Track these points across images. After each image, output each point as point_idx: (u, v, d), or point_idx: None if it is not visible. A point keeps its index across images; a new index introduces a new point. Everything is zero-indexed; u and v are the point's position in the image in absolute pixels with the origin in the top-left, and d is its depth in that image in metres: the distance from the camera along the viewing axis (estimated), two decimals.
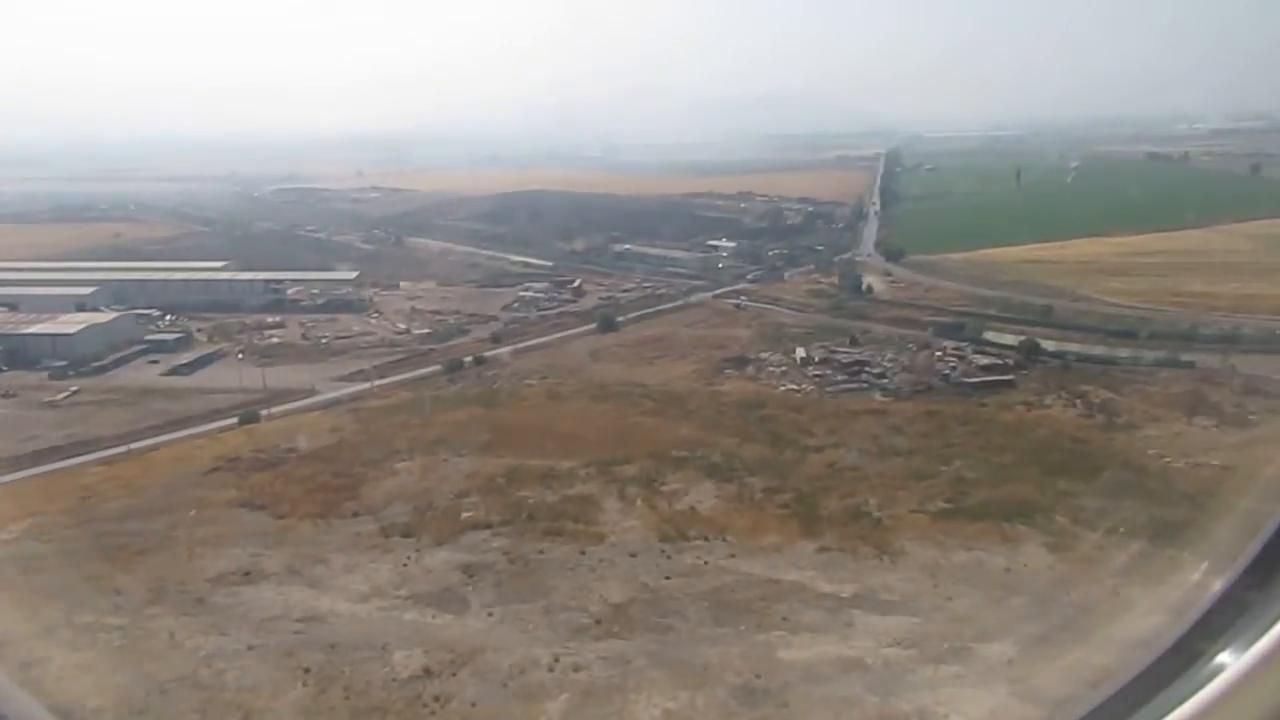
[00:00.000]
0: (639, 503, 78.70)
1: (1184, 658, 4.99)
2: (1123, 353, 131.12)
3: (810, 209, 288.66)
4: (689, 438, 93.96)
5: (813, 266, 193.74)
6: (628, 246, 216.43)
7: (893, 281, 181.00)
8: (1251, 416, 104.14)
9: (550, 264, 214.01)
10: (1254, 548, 5.51)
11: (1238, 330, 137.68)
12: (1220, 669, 4.73)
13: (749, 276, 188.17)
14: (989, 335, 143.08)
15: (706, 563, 68.12)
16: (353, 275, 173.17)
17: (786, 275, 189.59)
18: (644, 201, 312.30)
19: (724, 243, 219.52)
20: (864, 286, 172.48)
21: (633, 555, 69.33)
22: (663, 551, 69.83)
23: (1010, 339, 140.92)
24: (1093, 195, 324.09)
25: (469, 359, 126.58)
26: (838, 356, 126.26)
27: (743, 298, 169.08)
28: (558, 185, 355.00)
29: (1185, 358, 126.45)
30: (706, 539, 71.95)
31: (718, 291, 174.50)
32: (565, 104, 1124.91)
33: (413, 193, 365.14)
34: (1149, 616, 48.91)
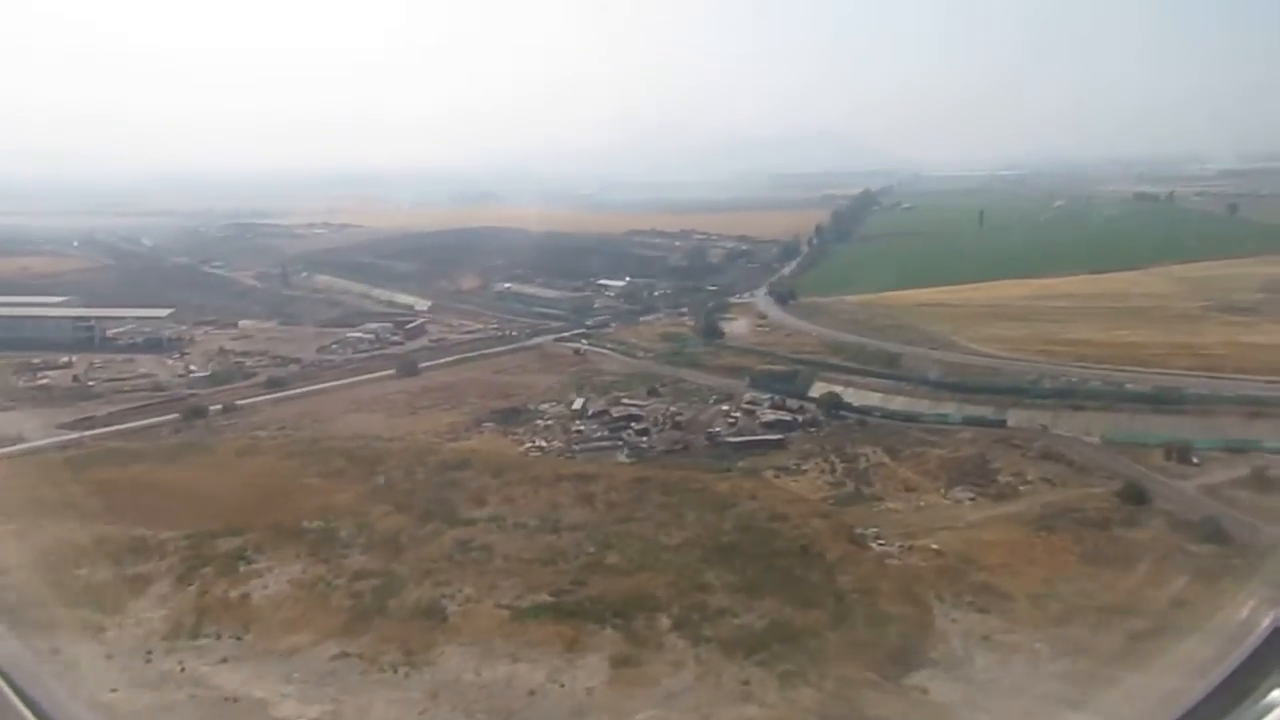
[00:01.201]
0: (193, 586, 67.61)
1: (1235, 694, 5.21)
2: (946, 408, 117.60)
3: (743, 248, 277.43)
4: (341, 505, 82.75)
5: (687, 309, 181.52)
6: (508, 286, 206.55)
7: (761, 326, 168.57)
8: (1022, 488, 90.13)
9: (429, 303, 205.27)
10: None
11: (1083, 383, 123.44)
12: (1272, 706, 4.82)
13: (614, 319, 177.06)
14: (816, 387, 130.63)
15: (184, 669, 56.56)
16: (165, 313, 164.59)
17: (656, 317, 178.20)
18: (582, 239, 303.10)
19: (612, 282, 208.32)
20: (721, 331, 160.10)
21: (109, 657, 57.88)
22: (149, 653, 58.33)
23: (840, 390, 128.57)
24: (1052, 236, 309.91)
25: (217, 407, 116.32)
26: (612, 410, 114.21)
27: (584, 342, 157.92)
28: (512, 223, 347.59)
29: (1007, 414, 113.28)
30: (219, 637, 60.39)
31: (566, 334, 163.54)
32: (584, 145, 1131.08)
33: (360, 229, 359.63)
34: None
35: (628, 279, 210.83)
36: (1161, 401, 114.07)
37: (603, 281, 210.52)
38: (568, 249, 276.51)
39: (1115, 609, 64.21)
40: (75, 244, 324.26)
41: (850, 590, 65.88)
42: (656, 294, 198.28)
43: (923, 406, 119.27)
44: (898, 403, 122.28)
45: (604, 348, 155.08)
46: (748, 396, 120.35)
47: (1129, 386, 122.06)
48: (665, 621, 61.91)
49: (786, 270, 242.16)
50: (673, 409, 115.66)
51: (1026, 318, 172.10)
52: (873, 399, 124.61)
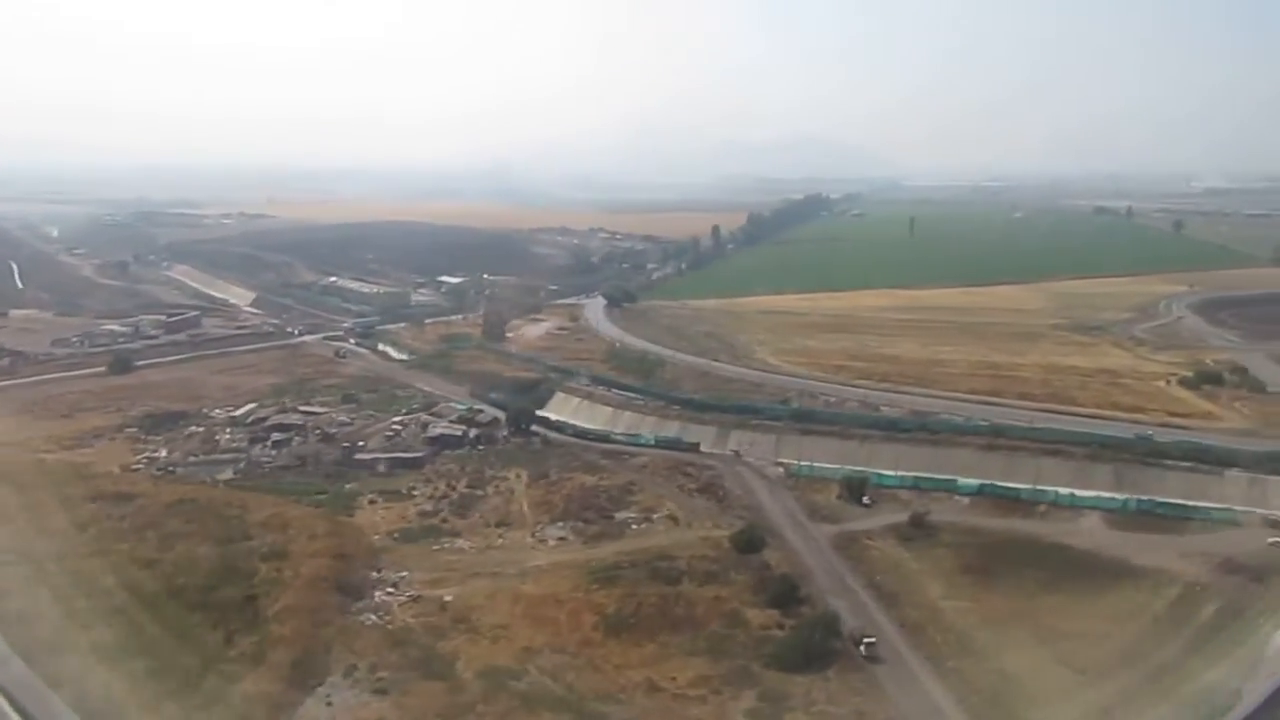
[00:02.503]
0: None
1: None
2: (667, 427, 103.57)
3: (638, 248, 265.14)
4: None
5: (503, 308, 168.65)
6: (333, 280, 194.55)
7: (562, 330, 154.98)
8: (636, 527, 75.94)
9: (254, 295, 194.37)
10: None
11: (837, 405, 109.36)
12: None
13: (421, 316, 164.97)
14: (556, 399, 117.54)
15: None
16: None
17: (461, 316, 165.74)
18: (480, 235, 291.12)
19: (449, 279, 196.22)
20: (504, 335, 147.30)
21: None
22: None
23: (579, 402, 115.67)
24: (972, 248, 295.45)
25: None
26: (271, 420, 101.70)
27: (351, 341, 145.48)
28: (426, 218, 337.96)
29: (731, 435, 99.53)
30: None
31: (336, 333, 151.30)
32: (586, 146, 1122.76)
33: (270, 220, 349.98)
34: None
35: (463, 276, 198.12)
36: (902, 429, 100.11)
37: (441, 278, 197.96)
38: (454, 245, 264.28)
39: (552, 700, 51.32)
40: None
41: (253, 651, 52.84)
42: (486, 292, 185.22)
43: (645, 425, 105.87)
44: (622, 420, 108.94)
45: (373, 348, 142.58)
46: (438, 408, 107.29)
47: (883, 409, 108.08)
48: None
49: (664, 271, 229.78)
50: (341, 418, 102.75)
51: (855, 330, 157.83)
52: (599, 414, 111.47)
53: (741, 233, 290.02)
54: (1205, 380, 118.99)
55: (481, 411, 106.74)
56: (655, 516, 78.28)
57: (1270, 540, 73.36)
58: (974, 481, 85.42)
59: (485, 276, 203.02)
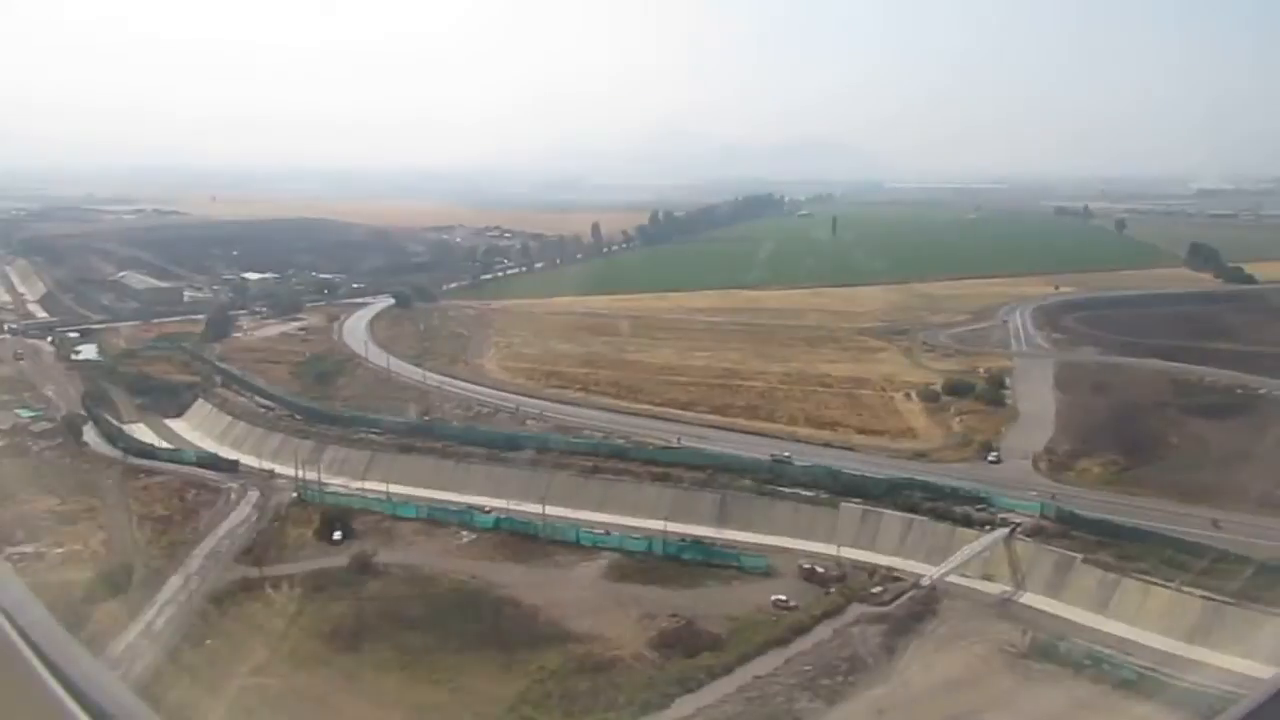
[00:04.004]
0: None
1: None
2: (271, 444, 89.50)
3: (515, 245, 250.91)
4: None
5: (269, 309, 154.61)
6: (122, 275, 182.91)
7: (296, 333, 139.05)
8: None
9: (44, 290, 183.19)
10: None
11: (481, 420, 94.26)
12: None
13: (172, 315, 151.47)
14: (197, 406, 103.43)
15: None
16: None
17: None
18: (367, 232, 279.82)
19: (253, 275, 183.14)
20: (227, 335, 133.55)
21: None
22: None
23: (213, 408, 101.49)
24: (892, 247, 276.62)
25: None
26: None
27: (48, 340, 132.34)
28: (355, 218, 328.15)
29: (326, 452, 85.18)
30: None
31: (68, 331, 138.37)
32: (587, 148, 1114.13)
33: (177, 216, 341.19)
34: None
35: (272, 274, 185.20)
36: (498, 447, 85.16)
37: (245, 274, 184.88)
38: (333, 242, 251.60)
39: None
40: None
41: None
42: (294, 288, 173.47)
43: (252, 438, 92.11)
44: (233, 433, 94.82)
45: (71, 350, 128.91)
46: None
47: (528, 424, 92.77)
48: None
49: (515, 270, 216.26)
50: None
51: (634, 333, 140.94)
52: (217, 425, 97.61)
53: (639, 232, 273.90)
54: (952, 391, 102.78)
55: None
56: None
57: (774, 598, 56.78)
58: (489, 518, 69.48)
59: (291, 273, 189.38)
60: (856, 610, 55.56)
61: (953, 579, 62.76)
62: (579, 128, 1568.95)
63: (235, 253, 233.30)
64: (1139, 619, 58.54)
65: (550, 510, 72.45)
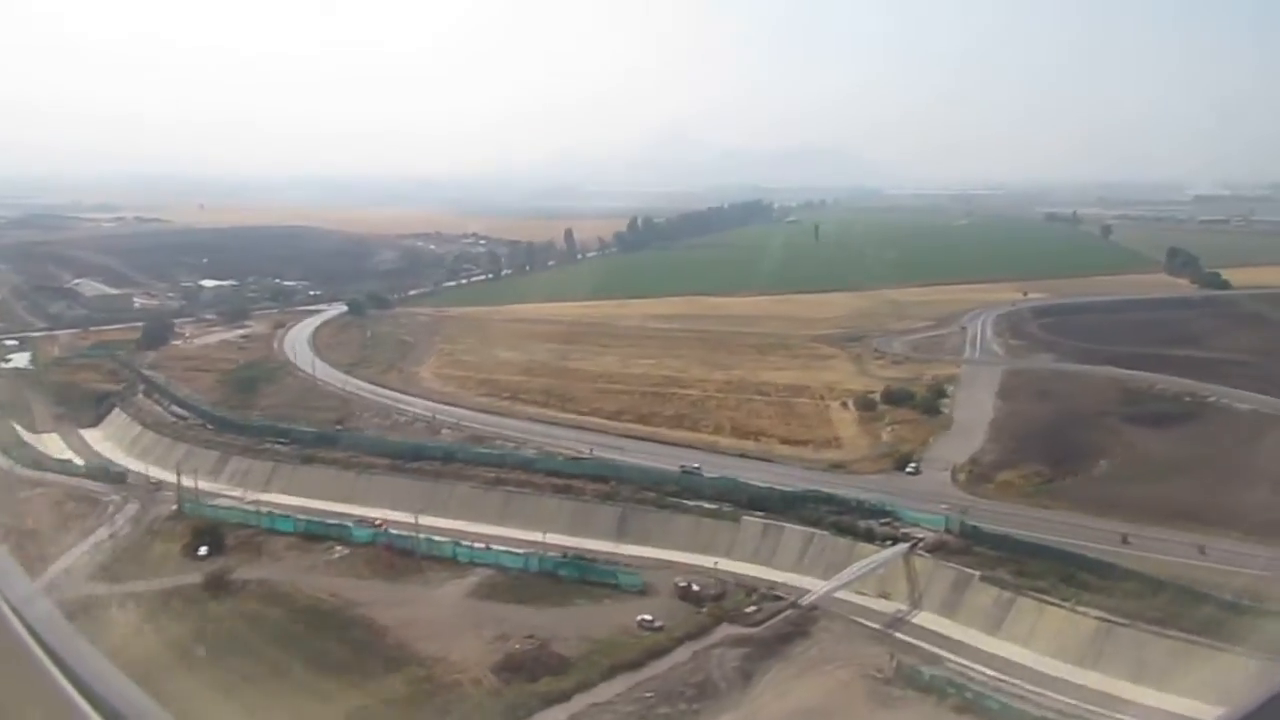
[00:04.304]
0: None
1: None
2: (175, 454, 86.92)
3: (487, 252, 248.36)
4: None
5: (217, 316, 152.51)
6: (77, 283, 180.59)
7: (236, 340, 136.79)
8: None
9: (2, 295, 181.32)
10: None
11: (392, 430, 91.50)
12: None
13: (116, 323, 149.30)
14: (115, 416, 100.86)
15: None
16: None
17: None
18: (361, 240, 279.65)
19: (208, 283, 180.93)
20: (163, 342, 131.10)
21: None
22: None
23: (128, 418, 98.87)
24: (873, 253, 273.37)
25: None
26: None
27: None
28: (329, 225, 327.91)
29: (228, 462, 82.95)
30: None
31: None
32: (589, 156, 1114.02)
33: (157, 224, 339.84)
34: None
35: (231, 281, 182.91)
36: (400, 458, 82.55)
37: (203, 281, 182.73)
38: (309, 249, 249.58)
39: None
40: None
41: None
42: (248, 295, 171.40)
43: (161, 448, 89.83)
44: (142, 442, 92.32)
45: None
46: None
47: (443, 433, 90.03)
48: None
49: (482, 276, 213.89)
50: None
51: (584, 341, 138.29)
52: (126, 435, 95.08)
53: (616, 239, 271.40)
54: (890, 400, 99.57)
55: None
56: None
57: (640, 618, 53.69)
58: (367, 532, 66.52)
59: (250, 280, 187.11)
60: (724, 631, 52.43)
61: (847, 597, 59.66)
62: (579, 135, 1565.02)
63: (205, 260, 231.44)
64: (1031, 640, 55.33)
65: (447, 523, 69.93)
